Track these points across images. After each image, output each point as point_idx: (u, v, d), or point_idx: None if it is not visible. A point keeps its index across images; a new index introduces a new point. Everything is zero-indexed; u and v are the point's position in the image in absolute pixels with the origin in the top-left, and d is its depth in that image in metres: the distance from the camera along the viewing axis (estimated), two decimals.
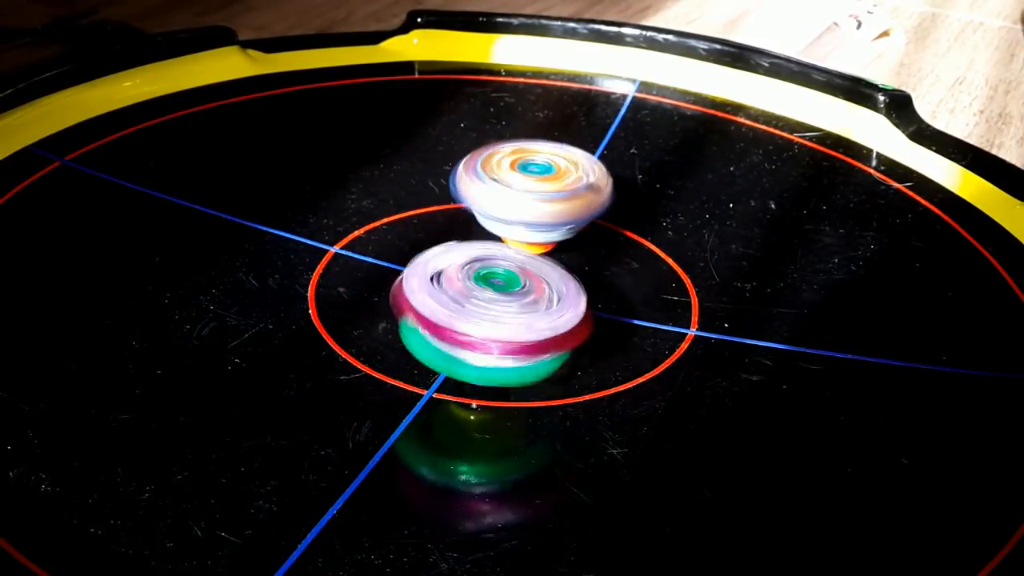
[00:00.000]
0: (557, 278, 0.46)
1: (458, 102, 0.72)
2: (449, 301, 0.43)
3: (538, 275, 0.45)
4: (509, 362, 0.43)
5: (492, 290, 0.44)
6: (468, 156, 0.55)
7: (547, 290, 0.45)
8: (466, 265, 0.45)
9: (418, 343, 0.44)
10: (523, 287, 0.44)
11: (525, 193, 0.52)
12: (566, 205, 0.52)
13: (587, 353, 0.50)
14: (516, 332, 0.42)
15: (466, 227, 0.58)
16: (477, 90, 0.74)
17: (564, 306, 0.44)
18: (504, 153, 0.55)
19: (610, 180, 0.55)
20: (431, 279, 0.44)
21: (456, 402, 0.47)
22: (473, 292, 0.44)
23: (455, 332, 0.42)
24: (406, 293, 0.44)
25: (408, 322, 0.44)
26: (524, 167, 0.54)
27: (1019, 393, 0.49)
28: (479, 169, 0.54)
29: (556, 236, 0.54)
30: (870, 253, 0.58)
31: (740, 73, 0.75)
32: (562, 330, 0.43)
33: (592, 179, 0.54)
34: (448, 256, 0.46)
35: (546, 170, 0.54)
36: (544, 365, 0.43)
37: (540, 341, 0.43)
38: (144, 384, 0.47)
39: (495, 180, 0.53)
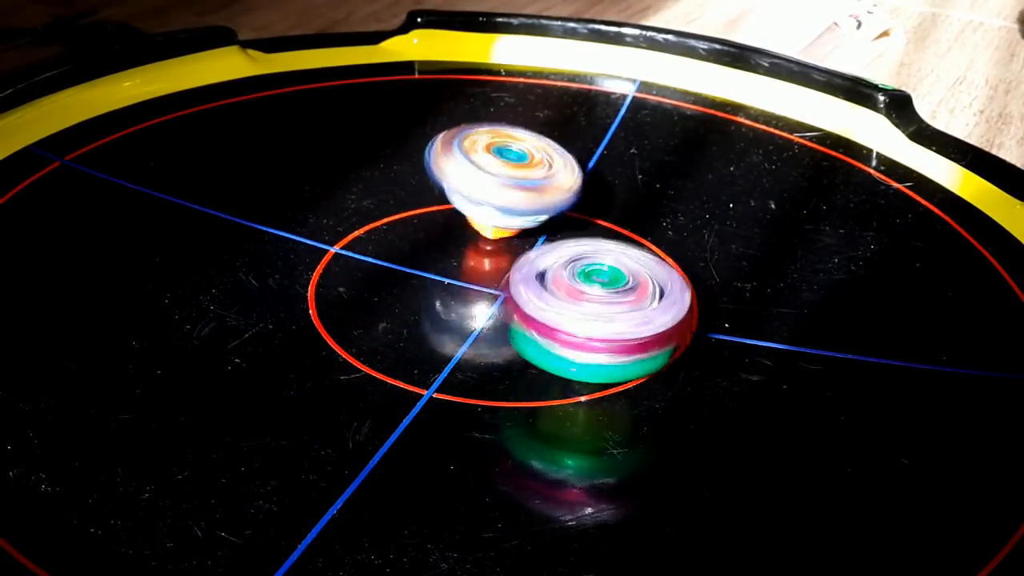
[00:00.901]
0: (662, 273, 0.46)
1: (458, 102, 0.72)
2: (556, 302, 0.44)
3: (642, 270, 0.45)
4: (618, 360, 0.43)
5: (599, 287, 0.44)
6: (445, 132, 0.57)
7: (652, 285, 0.45)
8: (569, 263, 0.46)
9: (529, 346, 0.44)
10: (628, 283, 0.45)
11: (495, 177, 0.53)
12: (533, 195, 0.54)
13: None
14: (624, 330, 0.42)
15: (468, 227, 0.58)
16: (477, 90, 0.74)
17: (670, 301, 0.44)
18: (482, 133, 0.56)
19: (579, 177, 0.56)
20: (537, 279, 0.45)
21: (456, 402, 0.47)
22: (580, 290, 0.44)
23: (564, 333, 0.43)
24: (514, 297, 0.44)
25: (517, 327, 0.44)
26: (499, 151, 0.55)
27: (1019, 393, 0.49)
28: (455, 147, 0.55)
29: (520, 223, 0.55)
30: (870, 253, 0.58)
31: (740, 73, 0.75)
32: (669, 326, 0.43)
33: (562, 174, 0.55)
34: (551, 255, 0.46)
35: (520, 158, 0.55)
36: (653, 360, 0.44)
37: (648, 338, 0.43)
38: (144, 384, 0.47)
39: (468, 160, 0.54)
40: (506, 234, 0.57)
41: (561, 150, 0.57)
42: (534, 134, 0.58)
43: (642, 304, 0.44)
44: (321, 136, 0.68)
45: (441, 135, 0.56)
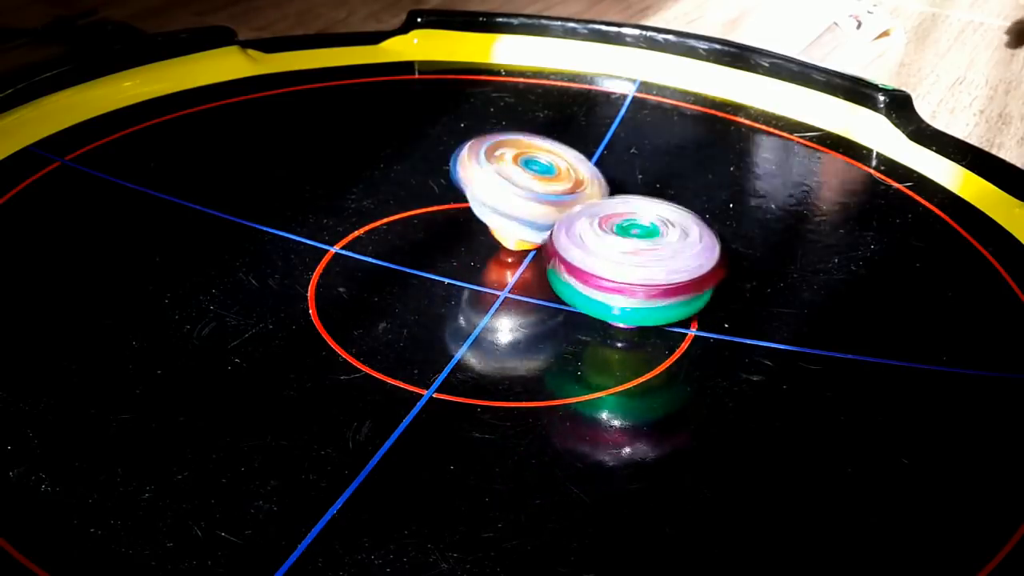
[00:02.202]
0: (693, 226, 0.50)
1: (458, 102, 0.72)
2: (595, 249, 0.48)
3: (676, 223, 0.50)
4: (655, 303, 0.48)
5: (635, 239, 0.49)
6: (473, 140, 0.56)
7: (684, 236, 0.49)
8: (608, 218, 0.50)
9: (570, 292, 0.49)
10: (661, 235, 0.49)
11: (521, 190, 0.53)
12: (559, 209, 0.53)
13: (587, 351, 0.50)
14: (657, 275, 0.47)
15: (468, 227, 0.58)
16: (477, 90, 0.74)
17: (700, 250, 0.49)
18: (509, 144, 0.56)
19: (607, 192, 0.56)
20: (578, 230, 0.49)
21: (456, 402, 0.47)
22: (615, 242, 0.49)
23: (603, 278, 0.48)
24: (556, 245, 0.49)
25: (557, 270, 0.49)
26: (527, 163, 0.54)
27: (1019, 393, 0.49)
28: (483, 157, 0.54)
29: (543, 237, 0.54)
30: (870, 253, 0.58)
31: (740, 73, 0.75)
32: (699, 272, 0.48)
33: (589, 189, 0.55)
34: (591, 211, 0.51)
35: (547, 171, 0.54)
36: (688, 305, 0.49)
37: (680, 283, 0.48)
38: (144, 384, 0.47)
39: (495, 171, 0.54)
40: (528, 247, 0.56)
41: (588, 163, 0.57)
42: (562, 145, 0.57)
43: (672, 255, 0.48)
44: (321, 136, 0.68)
45: (469, 143, 0.56)
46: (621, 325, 0.50)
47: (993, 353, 0.51)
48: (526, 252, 0.57)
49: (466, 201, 0.58)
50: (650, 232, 0.50)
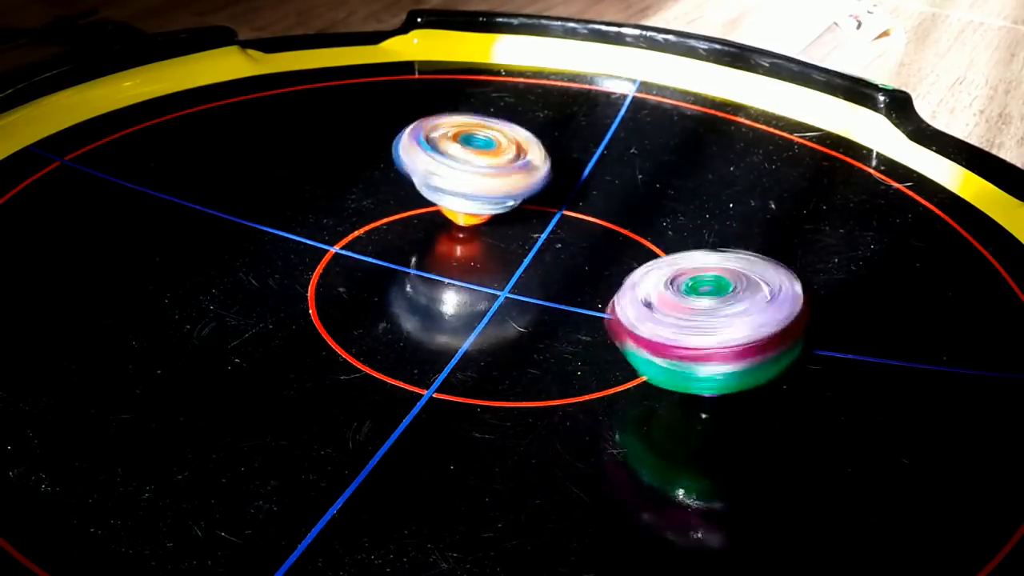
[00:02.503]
0: (768, 271, 0.45)
1: (458, 102, 0.72)
2: (667, 319, 0.43)
3: (746, 273, 0.44)
4: (742, 365, 0.42)
5: (707, 298, 0.43)
6: (412, 125, 0.57)
7: (761, 285, 0.43)
8: (671, 281, 0.44)
9: (650, 368, 0.44)
10: (734, 289, 0.43)
11: (464, 165, 0.54)
12: (501, 180, 0.54)
13: (587, 351, 0.50)
14: (740, 335, 0.42)
15: (468, 227, 0.58)
16: (477, 90, 0.74)
17: (782, 298, 0.43)
18: (447, 125, 0.57)
19: (548, 160, 0.56)
20: (643, 303, 0.44)
21: (456, 402, 0.47)
22: (689, 305, 0.43)
23: (684, 348, 0.42)
24: (626, 325, 0.44)
25: (634, 350, 0.44)
26: (466, 140, 0.56)
27: (1019, 393, 0.49)
28: (420, 138, 0.55)
29: (490, 210, 0.56)
30: (870, 253, 0.58)
31: (740, 73, 0.75)
32: (784, 324, 0.42)
33: (530, 157, 0.56)
34: (651, 277, 0.45)
35: (487, 145, 0.56)
36: (778, 362, 0.43)
37: (766, 339, 0.42)
38: (144, 384, 0.47)
39: (435, 151, 0.54)
40: (477, 221, 0.57)
41: (527, 134, 0.58)
42: (500, 121, 0.58)
43: (755, 306, 0.42)
44: (321, 136, 0.68)
45: (408, 128, 0.57)
46: (712, 395, 0.45)
47: (993, 353, 0.51)
48: (526, 252, 0.57)
49: None
50: (720, 287, 0.44)
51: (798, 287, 0.44)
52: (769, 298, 0.43)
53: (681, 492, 0.43)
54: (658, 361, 0.43)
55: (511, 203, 0.55)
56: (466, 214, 0.56)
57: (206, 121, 0.68)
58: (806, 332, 0.43)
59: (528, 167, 0.55)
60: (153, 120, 0.68)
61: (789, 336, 0.42)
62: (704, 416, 0.47)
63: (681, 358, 0.42)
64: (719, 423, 0.47)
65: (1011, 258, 0.58)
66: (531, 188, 0.55)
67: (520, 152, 0.56)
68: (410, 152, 0.55)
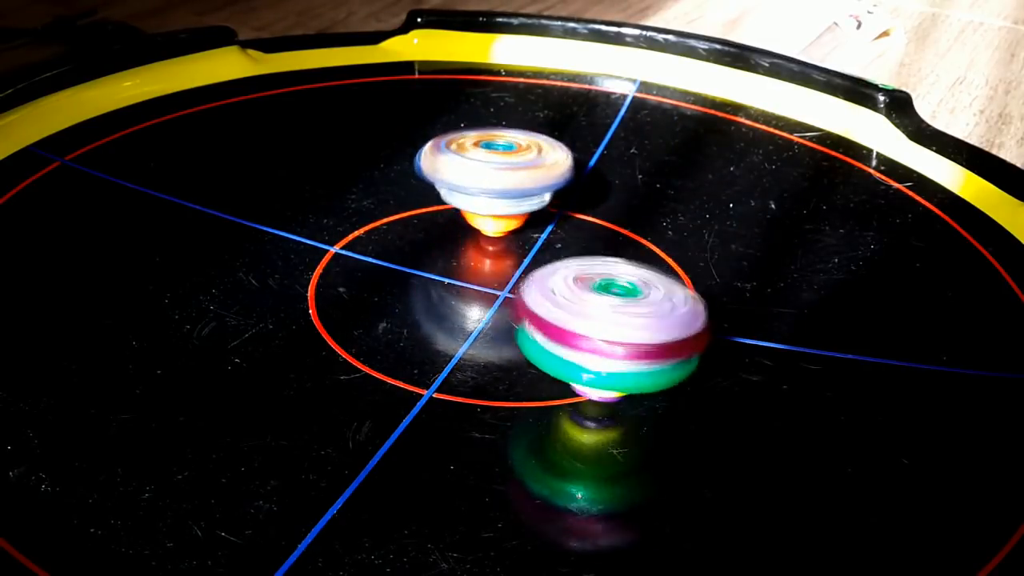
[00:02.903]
0: (678, 289, 0.45)
1: (458, 102, 0.72)
2: (571, 305, 0.43)
3: (659, 286, 0.45)
4: (631, 367, 0.42)
5: (615, 297, 0.43)
6: (431, 141, 0.57)
7: (667, 300, 0.44)
8: (585, 277, 0.45)
9: (538, 351, 0.43)
10: (644, 295, 0.44)
11: (484, 163, 0.54)
12: (526, 173, 0.54)
13: None
14: (640, 335, 0.41)
15: (468, 226, 0.58)
16: (477, 90, 0.74)
17: (685, 315, 0.43)
18: (469, 136, 0.57)
19: (570, 157, 0.56)
20: (550, 286, 0.44)
21: (456, 402, 0.47)
22: (594, 299, 0.43)
23: (576, 335, 0.42)
24: (526, 300, 0.44)
25: (528, 331, 0.44)
26: (487, 146, 0.56)
27: (1019, 393, 0.49)
28: (442, 148, 0.55)
29: (518, 209, 0.55)
30: (870, 253, 0.58)
31: (740, 73, 0.75)
32: (686, 334, 0.42)
33: (552, 154, 0.56)
34: (566, 270, 0.45)
35: (507, 148, 0.56)
36: (665, 373, 0.43)
37: (665, 344, 0.42)
38: (144, 384, 0.47)
39: (458, 155, 0.54)
40: (507, 229, 0.57)
41: (546, 137, 0.58)
42: (518, 130, 0.59)
43: (658, 314, 0.43)
44: (321, 136, 0.68)
45: (428, 144, 0.57)
46: (594, 395, 0.45)
47: (993, 353, 0.51)
48: (526, 251, 0.57)
49: None
50: (630, 291, 0.44)
51: (702, 307, 0.44)
52: (673, 310, 0.43)
53: (681, 492, 0.43)
54: (549, 346, 0.43)
55: (535, 200, 0.55)
56: (495, 217, 0.55)
57: (206, 121, 0.68)
58: (700, 353, 0.43)
59: (550, 161, 0.55)
60: (153, 120, 0.68)
61: (684, 349, 0.42)
62: (704, 416, 0.47)
63: (572, 346, 0.42)
64: (719, 423, 0.47)
65: (1011, 258, 0.58)
66: (558, 180, 0.55)
67: (542, 150, 0.56)
68: (432, 160, 0.55)
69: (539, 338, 0.43)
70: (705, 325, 0.43)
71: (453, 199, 0.55)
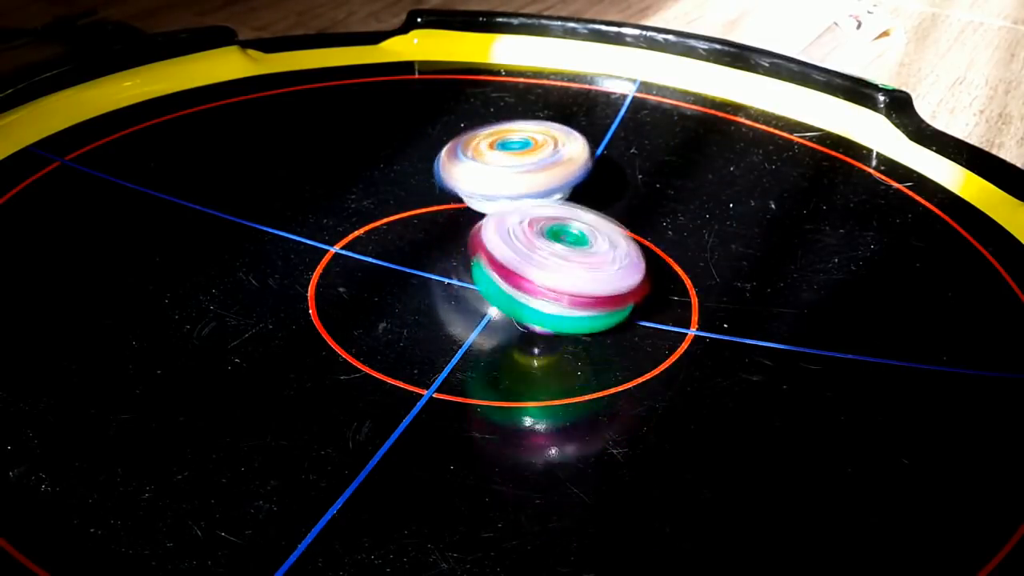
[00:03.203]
0: (622, 240, 0.49)
1: (458, 102, 0.72)
2: (523, 249, 0.46)
3: (604, 234, 0.48)
4: (572, 312, 0.46)
5: (562, 245, 0.47)
6: (448, 145, 0.57)
7: (612, 248, 0.48)
8: (540, 221, 0.48)
9: (489, 286, 0.47)
10: (590, 244, 0.47)
11: (504, 168, 0.54)
12: (543, 174, 0.54)
13: (587, 351, 0.50)
14: (582, 285, 0.46)
15: (468, 227, 0.58)
16: (477, 90, 0.74)
17: (627, 265, 0.47)
18: (482, 136, 0.57)
19: (587, 148, 0.57)
20: (508, 227, 0.47)
21: (456, 402, 0.47)
22: (544, 245, 0.47)
23: (525, 280, 0.46)
24: (483, 238, 0.47)
25: (481, 264, 0.47)
26: (502, 146, 0.56)
27: (1019, 393, 0.49)
28: (459, 153, 0.56)
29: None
30: (870, 253, 0.58)
31: (740, 73, 0.75)
32: (625, 287, 0.46)
33: (568, 147, 0.56)
34: (525, 211, 0.49)
35: (524, 145, 0.56)
36: (604, 318, 0.47)
37: (605, 296, 0.46)
38: (144, 384, 0.47)
39: (474, 161, 0.55)
40: None
41: (559, 125, 0.58)
42: (529, 120, 0.59)
43: (600, 266, 0.46)
44: (321, 136, 0.68)
45: (444, 149, 0.57)
46: (536, 329, 0.49)
47: (993, 353, 0.51)
48: None
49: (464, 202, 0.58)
50: (579, 240, 0.48)
51: (643, 262, 0.48)
52: (614, 262, 0.47)
53: (681, 492, 0.43)
54: (500, 283, 0.46)
55: (557, 196, 0.55)
56: None
57: (206, 121, 0.68)
58: (636, 301, 0.48)
59: (568, 156, 0.55)
60: (153, 120, 0.68)
61: (620, 301, 0.47)
62: (704, 416, 0.47)
63: (519, 287, 0.46)
64: (719, 423, 0.47)
65: (1011, 258, 0.58)
66: (576, 176, 0.55)
67: (558, 143, 0.56)
68: (449, 168, 0.55)
69: (492, 275, 0.47)
70: (642, 280, 0.47)
71: (473, 204, 0.56)
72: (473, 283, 0.49)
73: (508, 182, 0.54)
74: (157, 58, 0.71)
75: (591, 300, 0.46)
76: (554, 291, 0.45)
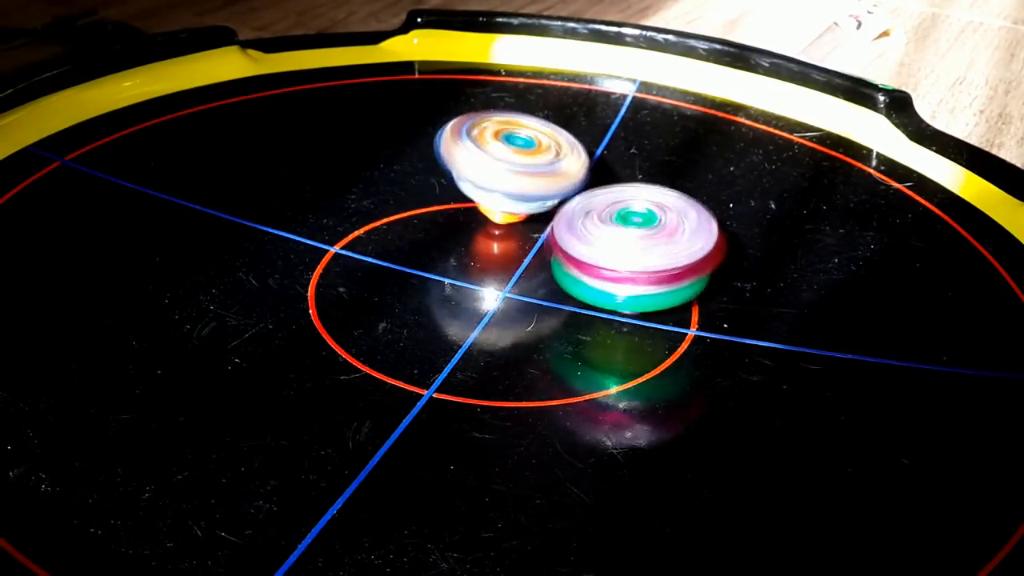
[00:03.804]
0: (691, 210, 0.51)
1: (458, 102, 0.72)
2: (598, 241, 0.49)
3: (673, 208, 0.51)
4: (656, 289, 0.49)
5: (635, 227, 0.49)
6: (456, 120, 0.58)
7: (682, 222, 0.50)
8: (606, 209, 0.51)
9: (571, 282, 0.50)
10: (660, 221, 0.50)
11: (503, 163, 0.55)
12: (541, 180, 0.55)
13: (587, 351, 0.50)
14: (659, 261, 0.48)
15: (468, 227, 0.58)
16: (477, 90, 0.74)
17: (699, 235, 0.49)
18: (490, 121, 0.57)
19: (586, 162, 0.57)
20: (579, 222, 0.50)
21: (456, 402, 0.47)
22: (617, 231, 0.49)
23: (605, 268, 0.48)
24: (557, 239, 0.50)
25: (561, 264, 0.50)
26: (507, 138, 0.56)
27: (1019, 393, 0.49)
28: (463, 134, 0.56)
29: (527, 208, 0.56)
30: (870, 253, 0.58)
31: (740, 73, 0.75)
32: (699, 256, 0.49)
33: (568, 159, 0.56)
34: (590, 203, 0.51)
35: (527, 144, 0.56)
36: (690, 288, 0.50)
37: (680, 267, 0.48)
38: (144, 384, 0.47)
39: (477, 147, 0.55)
40: (514, 219, 0.58)
41: (567, 136, 0.58)
42: (541, 121, 0.59)
43: (674, 238, 0.49)
44: (321, 136, 0.68)
45: (451, 123, 0.57)
46: (627, 312, 0.51)
47: (993, 353, 0.51)
48: (526, 251, 0.57)
49: (466, 201, 0.58)
50: (648, 219, 0.50)
51: (715, 226, 0.50)
52: (688, 231, 0.49)
53: (681, 492, 0.43)
54: (584, 279, 0.49)
55: (550, 203, 0.56)
56: (504, 212, 0.57)
57: (206, 121, 0.68)
58: (717, 266, 0.50)
59: (565, 169, 0.56)
60: (153, 120, 0.68)
61: (701, 267, 0.49)
62: (704, 416, 0.47)
63: (605, 278, 0.49)
64: (719, 423, 0.47)
65: (1011, 258, 0.58)
66: (570, 188, 0.55)
67: (560, 152, 0.56)
68: (451, 147, 0.56)
69: (573, 272, 0.50)
70: (716, 242, 0.50)
71: (464, 188, 0.56)
72: (557, 283, 0.52)
73: (500, 178, 0.54)
74: (157, 58, 0.71)
75: (670, 275, 0.48)
76: (633, 273, 0.48)
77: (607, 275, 0.49)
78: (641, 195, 0.52)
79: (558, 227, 0.51)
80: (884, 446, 0.46)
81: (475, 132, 0.56)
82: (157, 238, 0.57)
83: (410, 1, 0.92)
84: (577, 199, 0.52)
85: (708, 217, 0.51)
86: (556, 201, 0.55)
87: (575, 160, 0.56)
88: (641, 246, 0.48)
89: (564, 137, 0.58)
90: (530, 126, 0.58)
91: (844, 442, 0.46)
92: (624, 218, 0.50)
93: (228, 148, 0.66)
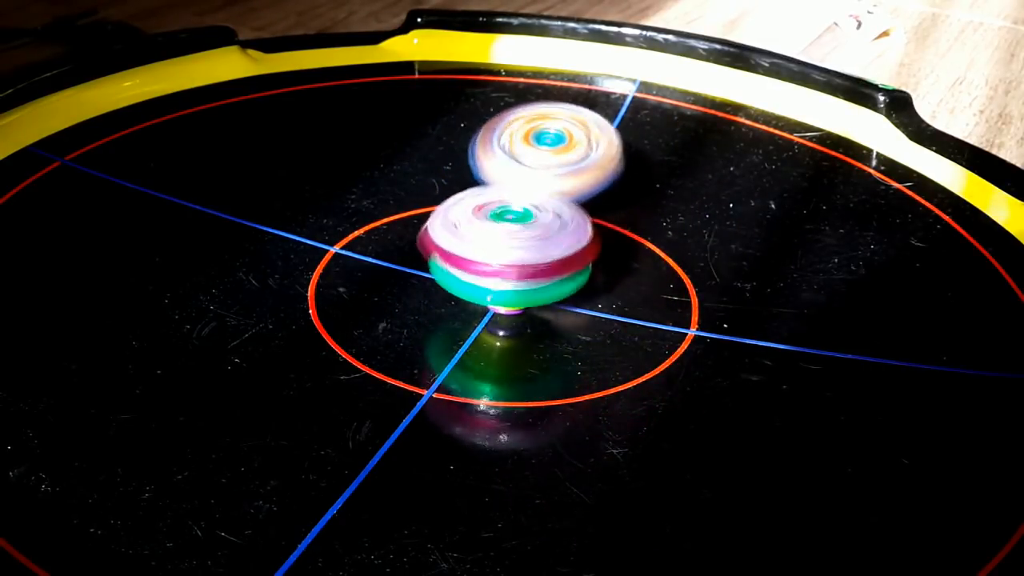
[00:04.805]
0: (566, 209, 0.51)
1: (458, 102, 0.72)
2: (470, 237, 0.48)
3: (547, 208, 0.50)
4: (528, 285, 0.48)
5: (508, 224, 0.49)
6: (485, 127, 0.58)
7: (557, 218, 0.50)
8: (483, 207, 0.50)
9: (447, 279, 0.49)
10: (534, 219, 0.49)
11: (535, 170, 0.55)
12: (574, 179, 0.56)
13: (587, 351, 0.50)
14: (530, 256, 0.47)
15: None
16: (477, 90, 0.74)
17: (571, 232, 0.49)
18: (519, 121, 0.58)
19: (619, 148, 0.58)
20: (452, 220, 0.49)
21: (456, 402, 0.47)
22: (490, 227, 0.49)
23: (477, 263, 0.48)
24: (431, 236, 0.49)
25: (436, 261, 0.49)
26: (538, 138, 0.57)
27: (1019, 393, 0.49)
28: (494, 143, 0.57)
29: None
30: (870, 253, 0.58)
31: (740, 73, 0.75)
32: (571, 252, 0.48)
33: (600, 150, 0.57)
34: (465, 202, 0.51)
35: (558, 140, 0.57)
36: (559, 286, 0.49)
37: (553, 262, 0.48)
38: (144, 384, 0.47)
39: (508, 155, 0.56)
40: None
41: (598, 119, 0.59)
42: (568, 106, 0.60)
43: (547, 235, 0.48)
44: (321, 136, 0.68)
45: (481, 131, 0.58)
46: (501, 310, 0.51)
47: (993, 353, 0.51)
48: None
49: None
50: (523, 217, 0.50)
51: (589, 224, 0.50)
52: (561, 229, 0.49)
53: (681, 492, 0.43)
54: (457, 274, 0.49)
55: (585, 198, 0.56)
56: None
57: (206, 121, 0.68)
58: (590, 262, 0.50)
59: (599, 159, 0.56)
60: (153, 120, 0.68)
61: (573, 263, 0.49)
62: (704, 416, 0.47)
63: (477, 273, 0.48)
64: (719, 423, 0.47)
65: (1011, 258, 0.58)
66: (605, 181, 0.56)
67: (591, 143, 0.57)
68: (484, 159, 0.57)
69: (447, 267, 0.49)
70: (590, 240, 0.49)
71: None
72: (433, 278, 0.51)
73: (540, 184, 0.55)
74: (157, 58, 0.71)
75: (544, 268, 0.48)
76: (503, 268, 0.47)
77: (480, 270, 0.48)
78: (517, 195, 0.51)
79: (432, 223, 0.50)
80: (884, 446, 0.46)
81: (505, 138, 0.57)
82: (157, 238, 0.57)
83: (410, 1, 0.92)
84: (455, 197, 0.52)
85: (583, 217, 0.50)
86: (594, 195, 0.56)
87: (607, 149, 0.57)
88: (512, 243, 0.48)
89: (593, 122, 0.58)
90: (559, 116, 0.58)
91: (844, 442, 0.46)
92: (499, 216, 0.50)
93: (228, 148, 0.66)
